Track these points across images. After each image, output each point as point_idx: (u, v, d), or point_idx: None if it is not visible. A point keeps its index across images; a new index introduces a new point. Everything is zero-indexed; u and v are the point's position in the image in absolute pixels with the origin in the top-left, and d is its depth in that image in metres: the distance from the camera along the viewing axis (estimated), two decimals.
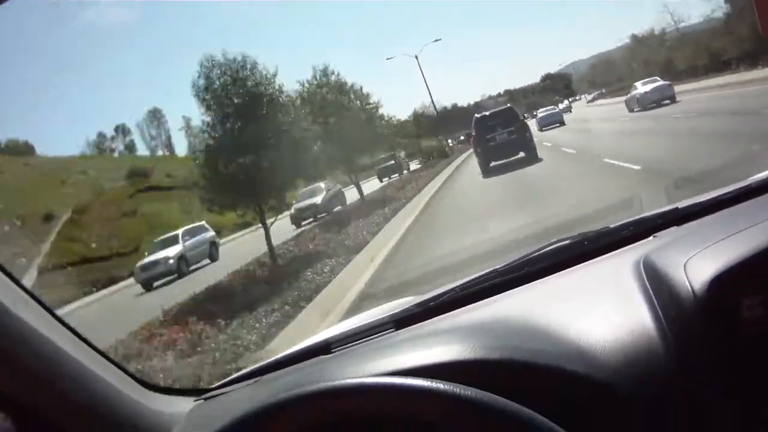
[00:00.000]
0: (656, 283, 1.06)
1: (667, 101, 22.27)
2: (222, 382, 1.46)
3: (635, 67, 43.00)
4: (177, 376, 5.18)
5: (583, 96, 54.33)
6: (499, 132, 16.23)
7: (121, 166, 45.91)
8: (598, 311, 1.08)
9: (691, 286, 0.96)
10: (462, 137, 36.90)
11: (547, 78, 66.86)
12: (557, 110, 33.07)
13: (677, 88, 23.48)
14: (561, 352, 1.02)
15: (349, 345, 1.38)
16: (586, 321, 1.07)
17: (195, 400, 1.40)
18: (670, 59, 38.31)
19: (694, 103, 19.54)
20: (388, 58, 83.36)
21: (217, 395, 1.40)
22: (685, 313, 0.96)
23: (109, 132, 61.62)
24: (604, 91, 48.96)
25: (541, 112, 32.81)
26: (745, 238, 1.01)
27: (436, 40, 62.34)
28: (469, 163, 21.54)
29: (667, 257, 1.09)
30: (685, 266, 1.00)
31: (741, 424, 0.91)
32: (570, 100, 49.49)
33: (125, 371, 1.27)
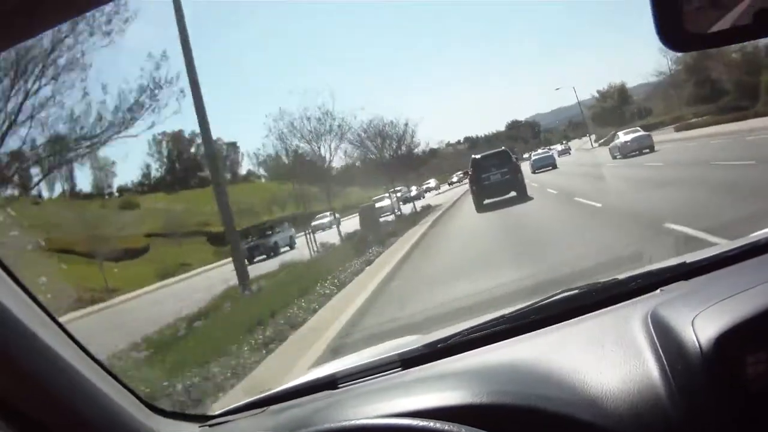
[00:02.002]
0: (664, 338, 1.06)
1: (647, 150, 24.08)
2: (227, 409, 1.45)
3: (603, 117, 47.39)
4: None
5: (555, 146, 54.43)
6: (494, 172, 17.88)
7: None
8: (605, 362, 1.08)
9: (699, 342, 0.97)
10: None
11: (514, 126, 64.69)
12: (550, 153, 34.01)
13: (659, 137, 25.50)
14: (566, 399, 1.02)
15: (355, 382, 1.37)
16: (593, 370, 1.07)
17: (200, 426, 1.40)
18: (622, 113, 42.71)
19: (671, 152, 21.25)
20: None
21: (222, 422, 1.40)
22: (692, 368, 0.96)
23: None
24: (565, 142, 51.54)
25: (535, 155, 33.52)
26: (752, 296, 1.03)
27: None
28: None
29: (676, 312, 1.09)
30: (693, 323, 1.01)
31: None
32: (565, 143, 49.91)
33: (133, 393, 1.26)
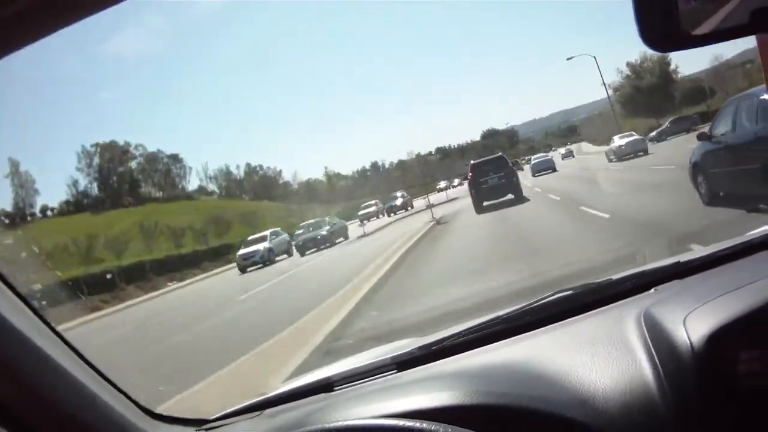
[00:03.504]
0: (656, 337, 1.06)
1: (641, 153, 24.74)
2: (223, 413, 1.44)
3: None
4: None
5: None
6: (491, 176, 18.59)
7: None
8: (598, 361, 1.08)
9: (690, 341, 0.97)
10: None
11: (489, 135, 61.28)
12: (550, 157, 33.85)
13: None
14: (560, 399, 1.03)
15: (351, 384, 1.37)
16: (586, 370, 1.07)
17: (197, 430, 1.39)
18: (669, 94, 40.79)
19: (662, 157, 22.06)
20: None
21: (220, 426, 1.39)
22: (683, 367, 0.97)
23: None
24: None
25: (535, 159, 33.57)
26: (743, 295, 1.03)
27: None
28: None
29: (668, 312, 1.09)
30: (684, 321, 1.01)
31: None
32: (566, 149, 47.98)
33: (131, 399, 1.26)
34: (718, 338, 0.96)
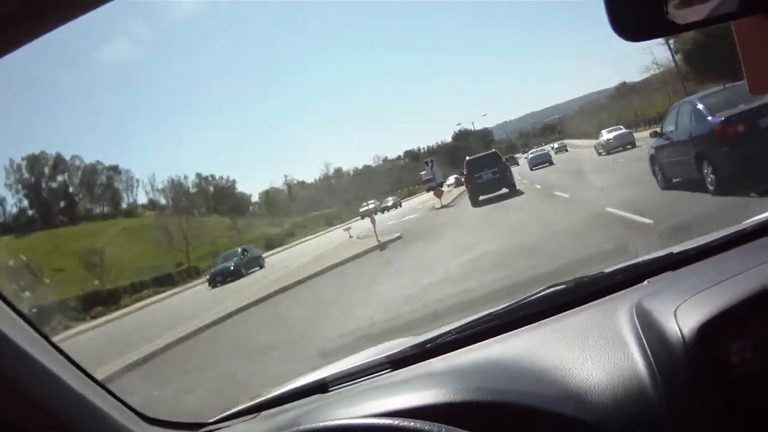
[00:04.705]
0: (648, 329, 1.06)
1: (629, 146, 26.28)
2: (220, 416, 1.45)
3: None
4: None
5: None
6: (485, 172, 20.14)
7: None
8: (591, 355, 1.08)
9: (681, 332, 0.97)
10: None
11: (461, 136, 57.89)
12: (546, 151, 34.54)
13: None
14: (552, 394, 1.03)
15: (345, 384, 1.38)
16: (579, 365, 1.07)
17: None
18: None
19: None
20: None
21: (215, 430, 1.40)
22: (675, 358, 0.97)
23: None
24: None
25: (532, 153, 34.02)
26: (734, 285, 1.02)
27: None
28: None
29: (659, 303, 1.09)
30: (675, 313, 1.01)
31: None
32: (559, 143, 47.88)
33: (125, 404, 1.25)
34: (709, 329, 0.96)
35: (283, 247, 34.11)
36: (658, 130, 10.27)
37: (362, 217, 32.10)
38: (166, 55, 75.01)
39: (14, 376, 1.02)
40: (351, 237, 21.92)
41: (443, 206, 23.17)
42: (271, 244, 34.13)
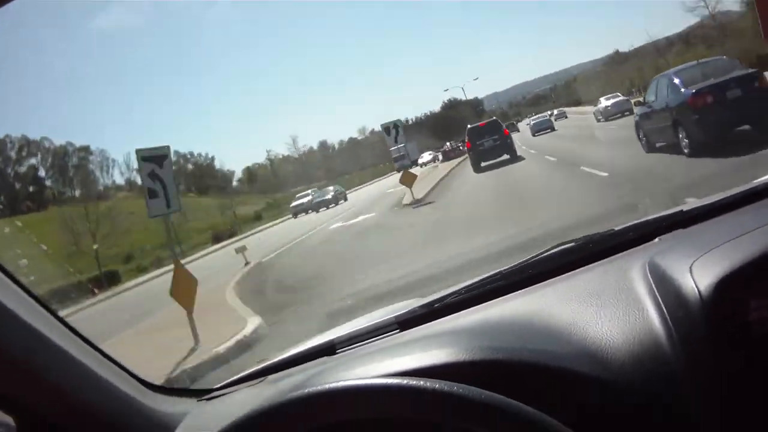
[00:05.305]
0: (662, 286, 1.04)
1: (627, 113, 27.30)
2: (225, 382, 1.44)
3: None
4: None
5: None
6: (487, 139, 20.97)
7: None
8: (604, 313, 1.06)
9: (698, 289, 0.95)
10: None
11: (451, 105, 56.12)
12: (548, 118, 34.85)
13: None
14: (566, 352, 1.01)
15: (353, 346, 1.37)
16: (592, 323, 1.05)
17: (198, 401, 1.39)
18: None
19: None
20: None
21: (220, 395, 1.39)
22: (692, 315, 0.94)
23: None
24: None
25: (534, 120, 34.42)
26: (751, 240, 1.00)
27: None
28: None
29: (673, 260, 1.07)
30: (691, 269, 0.99)
31: (747, 424, 0.89)
32: (558, 111, 46.74)
33: (127, 371, 1.25)
34: (726, 284, 0.94)
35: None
36: (641, 99, 11.50)
37: (294, 215, 30.68)
38: (139, 27, 71.93)
39: (11, 347, 1.02)
40: None
41: (415, 201, 16.78)
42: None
